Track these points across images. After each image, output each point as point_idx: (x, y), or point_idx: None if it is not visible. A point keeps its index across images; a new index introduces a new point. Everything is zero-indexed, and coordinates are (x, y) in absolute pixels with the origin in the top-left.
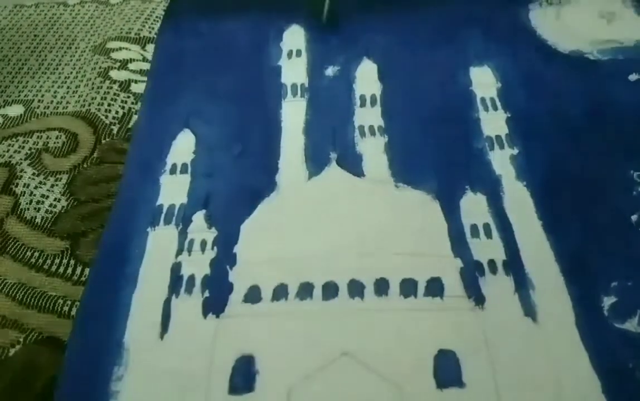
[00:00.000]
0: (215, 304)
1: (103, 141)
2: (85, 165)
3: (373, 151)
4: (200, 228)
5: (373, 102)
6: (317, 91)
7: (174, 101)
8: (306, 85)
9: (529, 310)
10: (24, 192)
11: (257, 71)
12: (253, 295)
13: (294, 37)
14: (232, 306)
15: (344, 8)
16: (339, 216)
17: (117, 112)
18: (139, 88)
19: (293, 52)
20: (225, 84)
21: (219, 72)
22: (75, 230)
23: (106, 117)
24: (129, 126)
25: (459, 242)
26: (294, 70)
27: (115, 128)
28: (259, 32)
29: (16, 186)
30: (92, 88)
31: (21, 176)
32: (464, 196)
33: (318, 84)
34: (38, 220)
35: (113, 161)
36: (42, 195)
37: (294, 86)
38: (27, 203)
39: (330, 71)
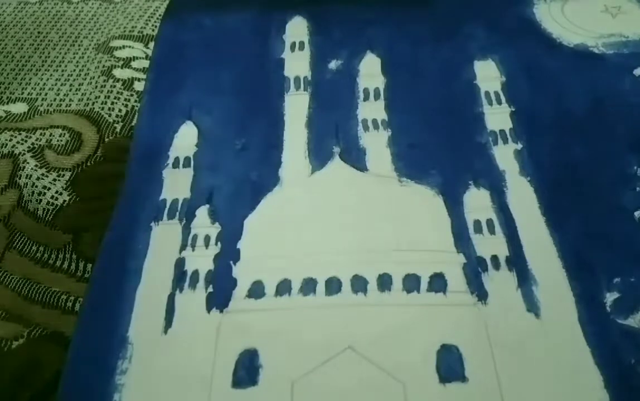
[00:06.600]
0: (218, 299)
1: (106, 139)
2: (89, 164)
3: (376, 145)
4: (203, 223)
5: (376, 95)
6: (320, 84)
7: (176, 94)
8: (309, 78)
9: (532, 306)
10: (27, 183)
11: (259, 64)
12: (256, 290)
13: (297, 29)
14: (235, 302)
15: (347, 1)
16: (342, 211)
17: (120, 111)
18: (142, 86)
19: (296, 45)
20: (227, 77)
21: (221, 64)
22: (77, 224)
23: (109, 115)
24: (132, 124)
25: (462, 238)
26: (297, 63)
27: (118, 127)
28: (262, 24)
29: (19, 178)
30: (96, 86)
31: (24, 167)
32: (468, 191)
33: (321, 77)
34: (40, 212)
35: (116, 159)
36: (44, 187)
37: (297, 79)
38: (29, 195)
39: (333, 64)
